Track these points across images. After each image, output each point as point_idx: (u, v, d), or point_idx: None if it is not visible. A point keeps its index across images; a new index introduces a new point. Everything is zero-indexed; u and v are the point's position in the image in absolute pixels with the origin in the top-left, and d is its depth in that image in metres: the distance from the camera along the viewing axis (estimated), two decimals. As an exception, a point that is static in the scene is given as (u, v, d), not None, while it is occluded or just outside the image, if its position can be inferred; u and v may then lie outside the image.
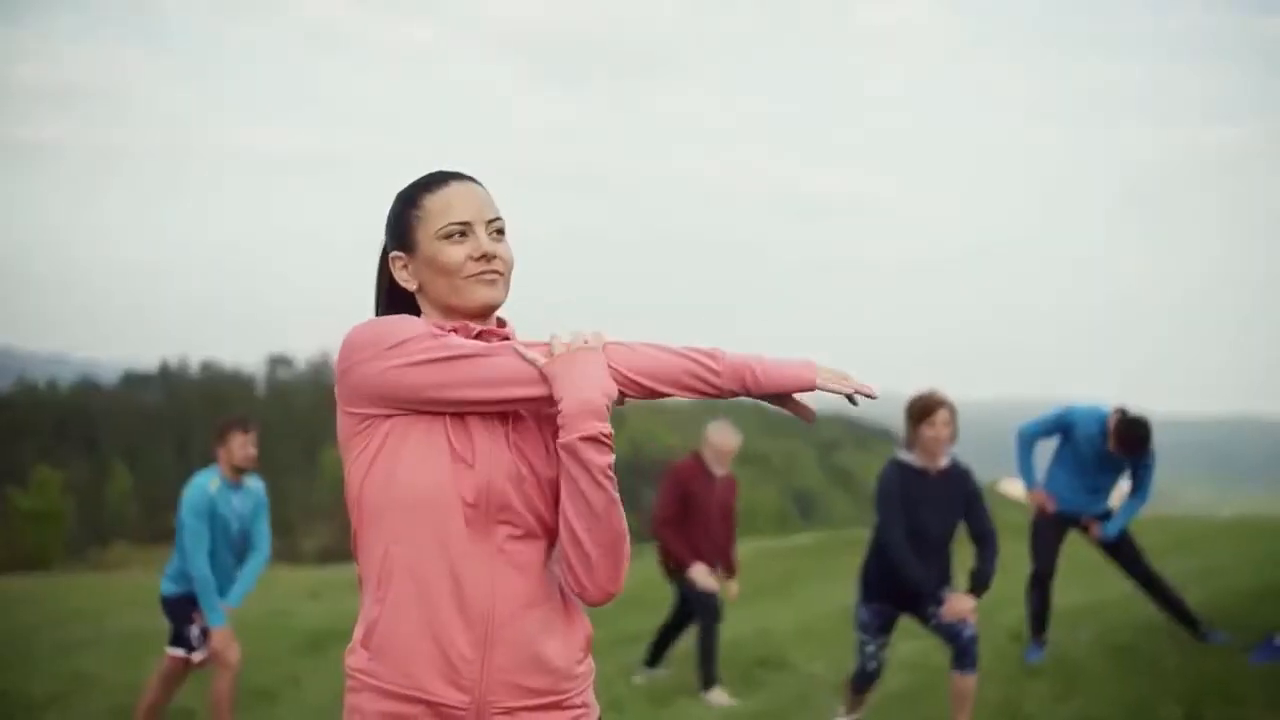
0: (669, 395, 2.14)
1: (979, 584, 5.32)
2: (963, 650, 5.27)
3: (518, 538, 2.09)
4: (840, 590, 11.49)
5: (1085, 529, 6.95)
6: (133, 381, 79.03)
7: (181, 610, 6.24)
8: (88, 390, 76.69)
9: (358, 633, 2.13)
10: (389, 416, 2.08)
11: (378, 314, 2.28)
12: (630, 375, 2.09)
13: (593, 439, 2.02)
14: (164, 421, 70.25)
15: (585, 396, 2.02)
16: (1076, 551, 7.44)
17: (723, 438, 7.37)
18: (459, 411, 2.07)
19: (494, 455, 2.08)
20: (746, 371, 2.12)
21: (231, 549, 6.26)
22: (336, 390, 2.14)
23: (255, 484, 6.39)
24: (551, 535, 2.14)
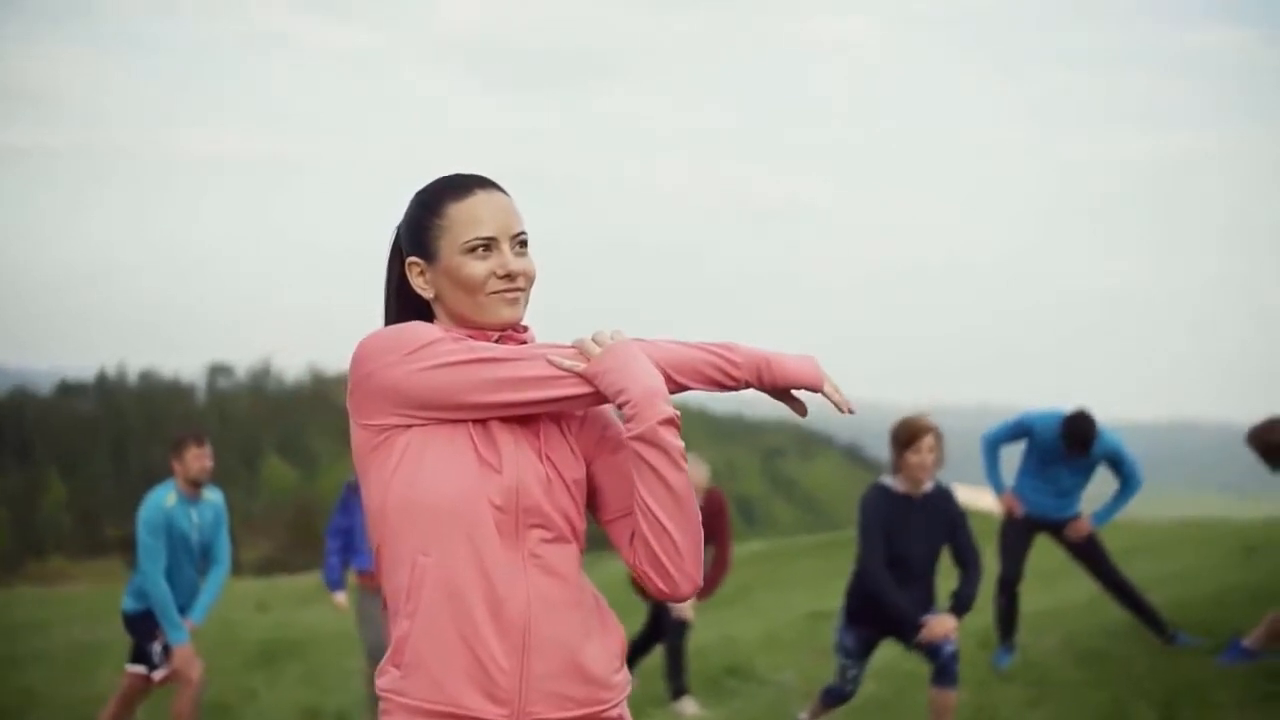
0: (690, 389, 2.11)
1: (961, 605, 5.27)
2: (943, 667, 5.23)
3: (549, 541, 2.04)
4: (798, 597, 11.52)
5: (1056, 533, 6.97)
6: (68, 390, 77.68)
7: (143, 627, 6.09)
8: (21, 399, 75.30)
9: (388, 653, 2.05)
10: (409, 427, 2.00)
11: (387, 316, 2.20)
12: (662, 369, 2.05)
13: (669, 422, 1.98)
14: (100, 431, 69.12)
15: (649, 383, 1.99)
16: (1040, 556, 7.46)
17: (692, 472, 7.25)
18: (496, 415, 2.01)
19: (521, 459, 2.02)
20: (762, 364, 2.13)
21: (193, 563, 6.14)
22: (350, 402, 2.06)
23: (214, 496, 6.27)
24: (581, 539, 2.09)
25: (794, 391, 2.16)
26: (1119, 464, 6.83)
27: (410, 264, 2.13)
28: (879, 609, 5.27)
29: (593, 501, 2.13)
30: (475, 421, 2.01)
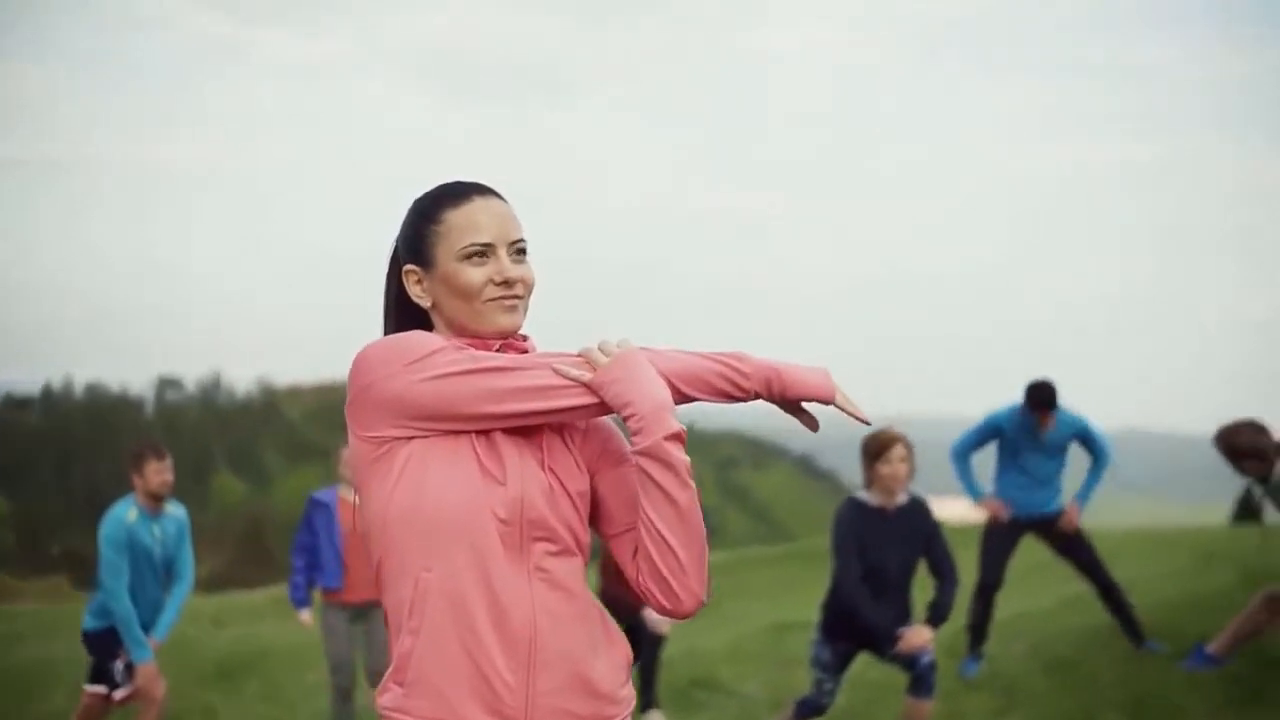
0: (697, 400, 2.07)
1: (937, 616, 5.27)
2: (920, 677, 5.23)
3: (554, 555, 2.00)
4: (760, 609, 11.52)
5: (1045, 530, 6.97)
6: (13, 404, 76.50)
7: (104, 646, 5.97)
8: (-36, 414, 74.07)
9: (389, 670, 2.00)
10: (410, 439, 1.96)
11: (386, 326, 2.16)
12: (669, 379, 2.01)
13: (676, 436, 1.95)
14: (46, 446, 68.13)
15: (657, 397, 1.95)
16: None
17: None
18: (500, 426, 1.97)
19: (525, 471, 1.99)
20: (772, 375, 2.08)
21: (157, 579, 6.03)
22: (348, 415, 2.02)
23: (177, 510, 6.16)
24: (585, 552, 2.06)
25: (805, 405, 2.12)
26: (1088, 439, 6.90)
27: (407, 272, 2.09)
28: (855, 623, 5.26)
29: (595, 515, 2.10)
30: (478, 433, 1.98)
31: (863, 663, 7.27)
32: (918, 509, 5.35)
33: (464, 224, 2.04)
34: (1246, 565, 9.45)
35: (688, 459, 1.97)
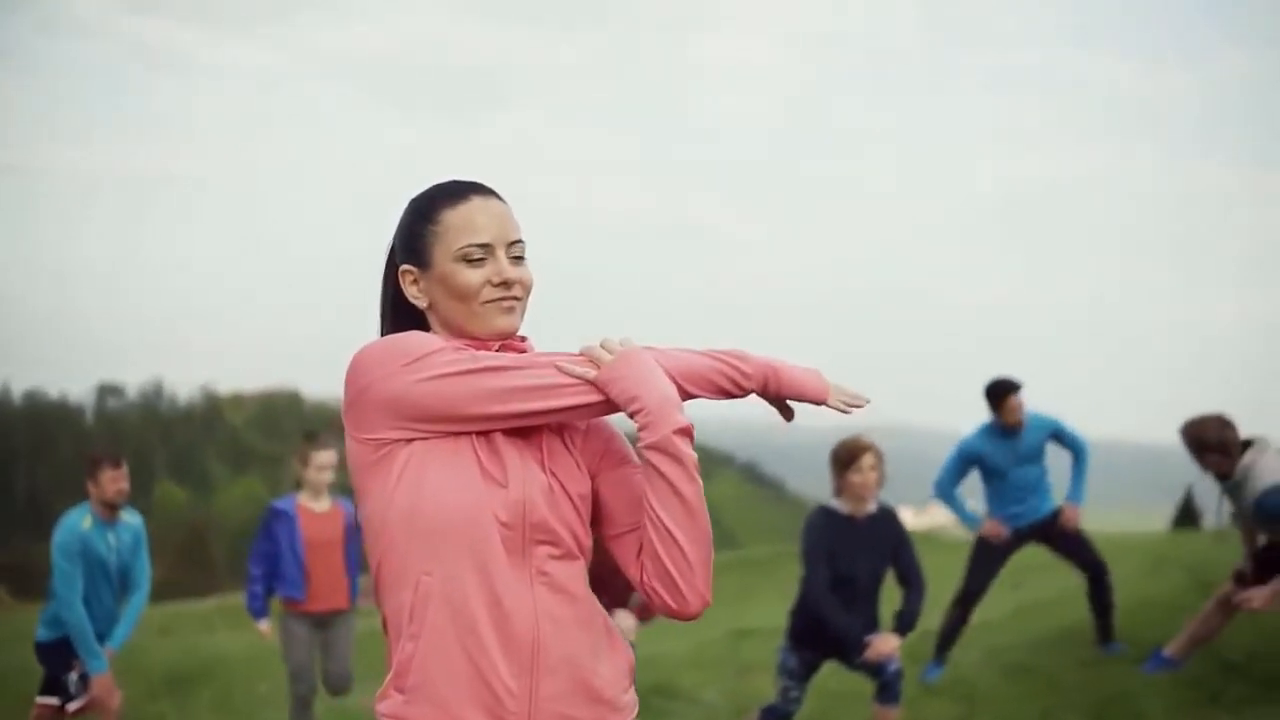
0: (699, 398, 2.06)
1: (904, 624, 5.28)
2: (887, 685, 5.24)
3: (557, 558, 1.97)
4: (717, 615, 11.49)
5: (1045, 533, 6.98)
6: (-51, 412, 75.13)
7: (58, 657, 5.86)
8: (-101, 421, 72.65)
9: (388, 676, 1.97)
10: (410, 440, 1.93)
11: (383, 327, 2.13)
12: (672, 377, 1.99)
13: (684, 431, 1.92)
14: (-17, 453, 67.01)
15: (664, 391, 1.93)
16: (956, 572, 7.53)
17: None
18: (502, 426, 1.95)
19: (526, 473, 1.96)
20: (770, 373, 2.08)
21: (111, 589, 5.93)
22: (345, 417, 1.98)
23: (132, 518, 6.06)
24: (587, 555, 2.03)
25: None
26: (1062, 436, 6.94)
27: (403, 272, 2.06)
28: (823, 631, 5.26)
29: (597, 516, 2.07)
30: (478, 434, 1.95)
31: (824, 672, 7.31)
32: (887, 517, 5.36)
33: (461, 224, 2.01)
34: (1194, 569, 9.59)
35: (695, 455, 1.95)
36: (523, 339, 2.09)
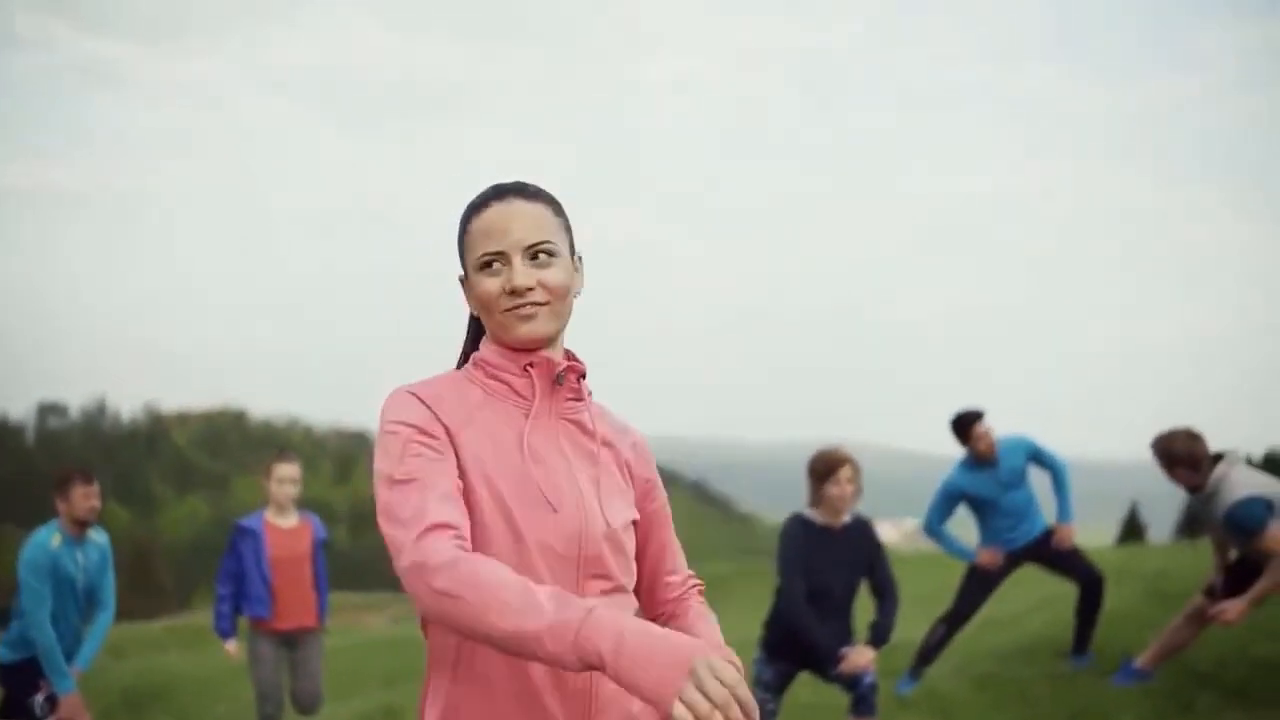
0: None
1: (879, 637, 5.30)
2: (862, 697, 5.24)
3: (609, 593, 1.91)
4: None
5: (1039, 553, 7.00)
6: (-116, 432, 73.59)
7: (23, 678, 5.75)
8: None
9: (434, 709, 1.89)
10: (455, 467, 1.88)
11: (468, 333, 2.11)
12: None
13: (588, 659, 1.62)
14: (-79, 474, 65.65)
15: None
16: (920, 583, 7.59)
17: None
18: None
19: (581, 501, 1.91)
20: (610, 654, 1.57)
21: (78, 607, 5.84)
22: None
23: (99, 537, 5.97)
24: (636, 589, 2.00)
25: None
26: (1040, 458, 6.97)
27: (460, 281, 2.03)
28: (799, 643, 5.27)
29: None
30: (532, 458, 1.90)
31: (798, 682, 7.32)
32: (862, 529, 5.38)
33: (480, 232, 1.95)
34: (1150, 580, 9.71)
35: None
36: (572, 356, 2.02)
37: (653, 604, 2.12)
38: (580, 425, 1.99)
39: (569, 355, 2.03)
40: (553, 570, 1.85)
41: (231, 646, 6.67)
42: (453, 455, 1.86)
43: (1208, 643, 6.41)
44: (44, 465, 61.28)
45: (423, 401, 1.90)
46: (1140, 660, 6.39)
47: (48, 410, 74.48)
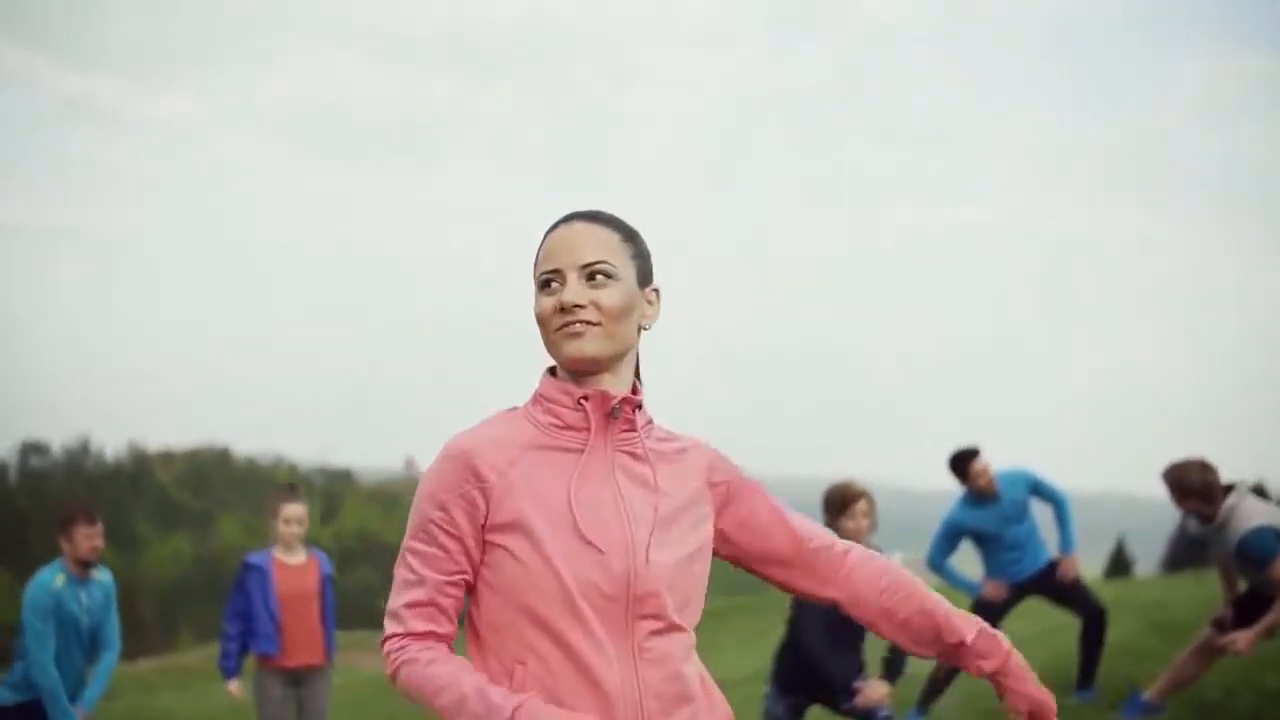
0: None
1: (893, 671, 5.30)
2: None
3: (659, 633, 1.89)
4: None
5: (1043, 585, 7.01)
6: None
7: None
8: None
9: None
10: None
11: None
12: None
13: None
14: (-99, 514, 65.06)
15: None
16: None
17: None
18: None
19: (629, 540, 1.88)
20: None
21: (82, 648, 5.80)
22: None
23: (104, 577, 5.95)
24: (696, 618, 1.97)
25: None
26: (1041, 490, 6.99)
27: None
28: (813, 677, 5.25)
29: (738, 556, 2.07)
30: (575, 496, 1.87)
31: (809, 716, 7.29)
32: None
33: (543, 253, 1.96)
34: (1145, 612, 9.71)
35: None
36: (634, 390, 2.01)
37: (822, 582, 2.11)
38: (634, 454, 1.96)
39: (635, 388, 2.01)
40: (599, 613, 1.84)
41: (234, 687, 6.61)
42: (471, 536, 1.88)
43: (1217, 673, 6.40)
44: (26, 504, 60.75)
45: (462, 455, 1.89)
46: (1149, 693, 6.37)
47: (30, 449, 74.00)
